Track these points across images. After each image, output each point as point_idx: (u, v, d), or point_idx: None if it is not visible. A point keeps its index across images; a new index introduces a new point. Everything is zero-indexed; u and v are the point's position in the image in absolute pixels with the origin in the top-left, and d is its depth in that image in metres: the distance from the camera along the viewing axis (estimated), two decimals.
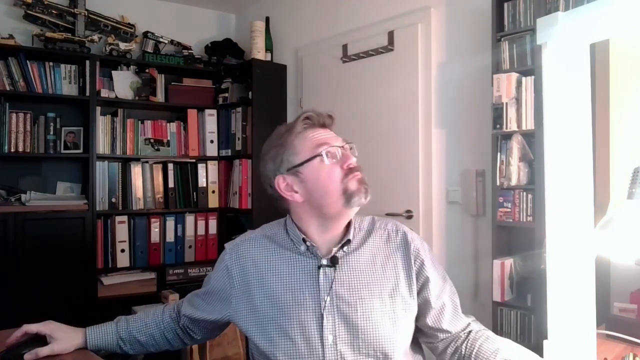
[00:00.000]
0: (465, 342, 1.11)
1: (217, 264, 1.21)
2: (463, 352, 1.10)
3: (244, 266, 1.14)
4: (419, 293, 1.11)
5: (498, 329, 1.99)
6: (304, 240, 1.09)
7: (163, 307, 1.29)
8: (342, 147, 1.08)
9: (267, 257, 1.13)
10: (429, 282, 1.10)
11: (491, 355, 1.05)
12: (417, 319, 1.13)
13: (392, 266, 1.10)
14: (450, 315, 1.13)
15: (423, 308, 1.12)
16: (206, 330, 1.25)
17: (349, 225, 1.12)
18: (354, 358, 1.04)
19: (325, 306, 1.05)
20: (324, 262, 1.08)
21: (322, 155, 1.05)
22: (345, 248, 1.10)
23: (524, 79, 1.94)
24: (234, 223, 3.46)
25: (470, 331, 1.13)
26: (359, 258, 1.10)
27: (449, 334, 1.13)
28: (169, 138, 3.37)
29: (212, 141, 3.45)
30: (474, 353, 1.07)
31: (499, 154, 2.01)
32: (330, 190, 1.05)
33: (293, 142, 1.08)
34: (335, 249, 1.09)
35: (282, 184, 1.08)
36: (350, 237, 1.10)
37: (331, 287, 1.07)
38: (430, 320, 1.12)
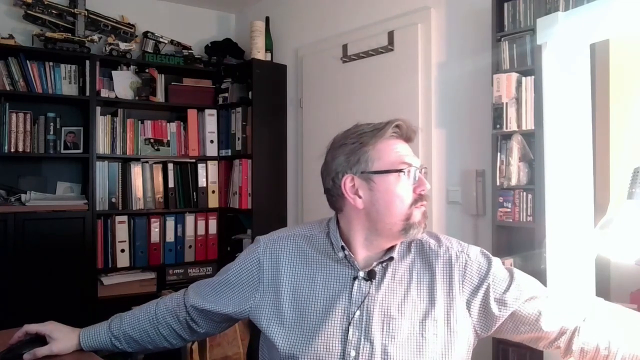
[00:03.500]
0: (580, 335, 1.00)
1: (246, 255, 1.17)
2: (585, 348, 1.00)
3: (277, 264, 1.11)
4: (474, 310, 1.03)
5: None
6: (343, 248, 1.06)
7: (157, 301, 1.24)
8: (420, 169, 1.04)
9: (302, 259, 1.11)
10: (480, 294, 1.02)
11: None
12: (512, 332, 1.04)
13: (431, 290, 1.03)
14: (547, 314, 1.01)
15: (509, 322, 1.03)
16: (213, 322, 1.20)
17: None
18: None
19: (353, 320, 1.02)
20: (361, 274, 1.04)
21: (403, 172, 1.01)
22: (384, 263, 1.05)
23: (524, 79, 1.94)
24: (234, 223, 3.46)
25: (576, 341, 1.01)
26: (397, 276, 1.05)
27: (554, 333, 1.01)
28: (169, 138, 3.37)
29: (212, 141, 3.45)
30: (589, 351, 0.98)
31: (499, 154, 2.01)
32: (395, 211, 1.01)
33: (377, 147, 1.03)
34: (375, 263, 1.04)
35: (349, 184, 1.04)
36: (395, 254, 1.05)
37: (363, 301, 1.02)
38: (526, 327, 1.02)
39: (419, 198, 1.02)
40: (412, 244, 1.09)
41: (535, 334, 1.02)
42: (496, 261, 1.08)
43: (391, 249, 1.06)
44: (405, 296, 1.03)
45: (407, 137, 1.07)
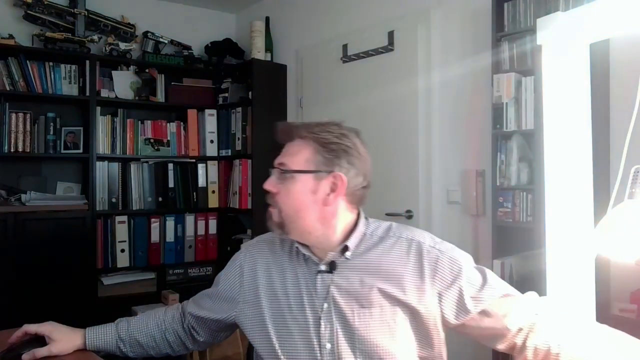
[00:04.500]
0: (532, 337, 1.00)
1: (230, 262, 1.20)
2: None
3: (255, 268, 1.14)
4: (446, 304, 1.03)
5: None
6: (297, 248, 1.09)
7: (165, 309, 1.27)
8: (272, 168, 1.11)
9: (275, 260, 1.13)
10: (454, 288, 1.03)
11: None
12: (468, 327, 1.04)
13: (399, 279, 1.03)
14: (504, 311, 1.02)
15: (464, 316, 1.03)
16: (210, 331, 1.22)
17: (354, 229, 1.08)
18: None
19: (322, 312, 1.04)
20: (322, 267, 1.06)
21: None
22: (347, 254, 1.06)
23: (523, 79, 1.94)
24: (234, 223, 3.46)
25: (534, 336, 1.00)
26: (362, 265, 1.05)
27: (509, 332, 1.02)
28: (169, 138, 3.37)
29: (212, 141, 3.45)
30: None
31: (499, 154, 2.01)
32: None
33: None
34: (331, 254, 1.06)
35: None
36: (349, 243, 1.06)
37: (328, 293, 1.05)
38: (474, 322, 1.03)
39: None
40: (388, 236, 1.09)
41: (497, 330, 1.02)
42: (468, 259, 1.08)
43: (348, 238, 1.06)
44: (374, 284, 1.03)
45: (281, 139, 1.12)
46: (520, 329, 1.01)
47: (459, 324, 1.04)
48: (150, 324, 1.22)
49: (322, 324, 1.03)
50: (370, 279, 1.04)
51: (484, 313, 1.02)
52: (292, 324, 1.05)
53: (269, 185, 1.06)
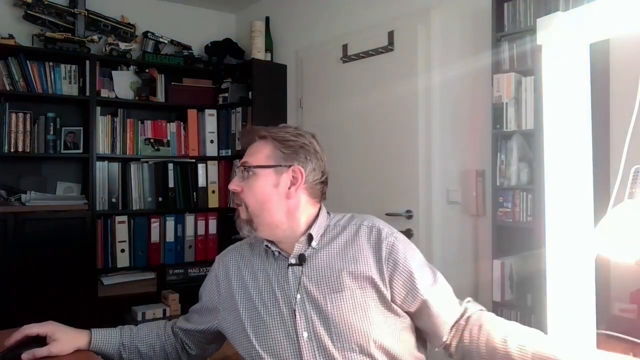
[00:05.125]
0: (465, 330, 1.09)
1: (208, 275, 1.27)
2: (467, 342, 1.08)
3: (228, 274, 1.20)
4: (397, 287, 1.08)
5: None
6: (267, 245, 1.14)
7: (165, 322, 1.32)
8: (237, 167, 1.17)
9: (247, 263, 1.19)
10: (405, 275, 1.08)
11: (500, 344, 1.02)
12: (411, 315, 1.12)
13: (364, 260, 1.09)
14: (443, 304, 1.11)
15: (411, 302, 1.09)
16: (200, 344, 1.27)
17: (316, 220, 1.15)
18: (331, 352, 1.05)
19: (296, 303, 1.08)
20: (292, 260, 1.12)
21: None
22: (314, 244, 1.12)
23: (523, 79, 1.94)
24: (234, 223, 3.44)
25: (469, 317, 1.11)
26: (329, 253, 1.12)
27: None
28: (169, 138, 3.37)
29: (212, 141, 3.45)
30: (481, 344, 1.05)
31: (499, 154, 2.01)
32: None
33: None
34: (297, 246, 1.11)
35: None
36: (312, 231, 1.12)
37: (299, 283, 1.09)
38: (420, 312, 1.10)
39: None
40: (350, 224, 1.15)
41: (436, 320, 1.10)
42: (419, 255, 1.15)
43: (311, 228, 1.13)
44: (341, 271, 1.09)
45: (244, 143, 1.17)
46: (457, 322, 1.11)
47: (406, 310, 1.10)
48: (152, 335, 1.26)
49: (297, 314, 1.08)
50: (338, 263, 1.10)
51: (427, 303, 1.08)
52: (269, 320, 1.10)
53: (233, 185, 1.13)
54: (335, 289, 1.08)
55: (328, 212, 1.19)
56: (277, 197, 1.10)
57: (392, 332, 1.09)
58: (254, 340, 1.10)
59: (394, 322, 1.10)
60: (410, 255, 1.11)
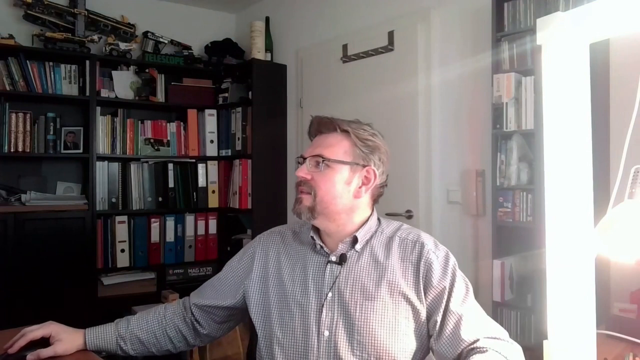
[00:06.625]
0: None
1: (244, 249, 1.26)
2: None
3: (267, 255, 1.20)
4: (429, 298, 1.07)
5: None
6: (313, 238, 1.14)
7: (165, 305, 1.29)
8: (297, 159, 1.18)
9: (286, 248, 1.19)
10: (434, 293, 1.06)
11: None
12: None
13: (402, 274, 1.08)
14: (450, 333, 1.04)
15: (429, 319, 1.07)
16: (215, 323, 1.25)
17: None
18: (347, 357, 1.04)
19: (326, 300, 1.08)
20: (333, 258, 1.12)
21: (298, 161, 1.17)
22: (358, 247, 1.11)
23: (523, 79, 1.94)
24: (234, 223, 3.46)
25: (472, 348, 1.02)
26: (369, 260, 1.11)
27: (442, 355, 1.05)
28: (169, 138, 3.37)
29: (212, 141, 3.45)
30: None
31: (499, 154, 2.01)
32: None
33: None
34: (341, 245, 1.12)
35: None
36: (359, 234, 1.12)
37: (334, 283, 1.09)
38: (431, 330, 1.07)
39: (296, 184, 1.13)
40: (396, 235, 1.14)
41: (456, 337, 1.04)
42: (460, 274, 1.11)
43: (358, 231, 1.13)
44: (379, 280, 1.08)
45: (318, 131, 1.16)
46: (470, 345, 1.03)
47: (433, 324, 1.06)
48: (151, 320, 1.24)
49: (324, 311, 1.07)
50: (376, 272, 1.09)
51: (455, 319, 1.04)
52: (295, 308, 1.10)
53: (302, 172, 1.11)
54: (368, 297, 1.06)
55: (379, 218, 1.19)
56: (347, 194, 1.10)
57: (412, 353, 1.06)
58: (274, 320, 1.11)
59: (420, 345, 1.07)
60: (440, 275, 1.07)
